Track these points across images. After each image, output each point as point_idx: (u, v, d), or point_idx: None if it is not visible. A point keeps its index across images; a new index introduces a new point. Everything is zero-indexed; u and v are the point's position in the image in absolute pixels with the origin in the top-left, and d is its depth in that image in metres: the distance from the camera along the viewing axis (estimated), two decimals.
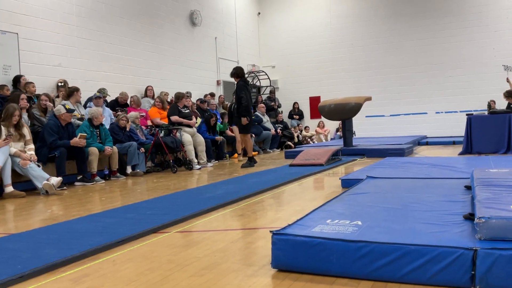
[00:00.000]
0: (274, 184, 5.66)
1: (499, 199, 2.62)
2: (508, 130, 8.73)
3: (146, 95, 10.32)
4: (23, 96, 6.79)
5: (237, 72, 8.40)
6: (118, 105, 9.23)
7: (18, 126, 6.06)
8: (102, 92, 8.96)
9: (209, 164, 8.99)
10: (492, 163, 6.06)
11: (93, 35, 9.50)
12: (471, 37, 13.82)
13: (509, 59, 13.09)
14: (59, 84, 8.33)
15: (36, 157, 6.07)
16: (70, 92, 7.54)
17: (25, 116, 6.80)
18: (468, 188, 3.73)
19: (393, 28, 14.72)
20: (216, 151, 10.07)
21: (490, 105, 9.89)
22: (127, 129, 7.96)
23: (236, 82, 8.44)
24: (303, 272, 2.37)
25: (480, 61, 13.74)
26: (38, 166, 6.02)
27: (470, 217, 2.60)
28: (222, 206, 4.43)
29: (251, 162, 8.31)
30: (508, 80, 11.56)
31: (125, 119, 7.94)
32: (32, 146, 6.20)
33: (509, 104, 10.14)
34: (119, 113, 8.36)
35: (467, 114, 9.54)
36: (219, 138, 10.04)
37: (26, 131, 6.19)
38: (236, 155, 10.87)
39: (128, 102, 9.52)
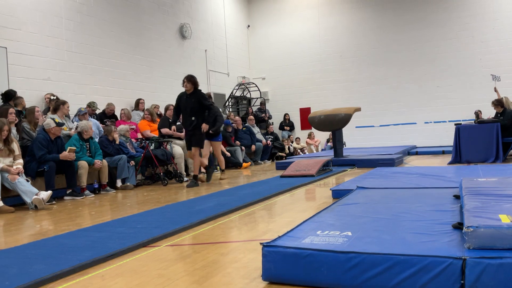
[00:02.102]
0: (265, 196, 5.66)
1: (488, 208, 2.64)
2: (496, 139, 8.83)
3: (137, 108, 10.29)
4: (11, 110, 6.74)
5: (196, 81, 7.59)
6: (106, 116, 9.19)
7: (7, 141, 6.01)
8: (91, 106, 8.93)
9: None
10: (481, 172, 6.11)
11: (82, 49, 9.49)
12: (458, 47, 14.01)
13: (496, 69, 13.27)
14: (51, 98, 8.27)
15: (22, 169, 6.01)
16: (57, 106, 7.46)
17: (13, 130, 6.74)
18: (457, 197, 3.76)
19: (381, 40, 14.88)
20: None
21: (478, 114, 9.99)
22: (117, 142, 7.92)
23: (193, 91, 7.46)
24: (294, 284, 2.36)
25: (468, 71, 13.91)
26: (27, 180, 5.96)
27: (459, 226, 2.62)
28: (213, 218, 4.41)
29: (196, 181, 7.61)
30: (495, 90, 11.70)
31: (116, 132, 7.92)
32: (21, 161, 6.14)
33: (497, 113, 10.25)
34: (108, 123, 8.34)
35: (455, 124, 9.64)
36: None
37: (15, 146, 6.14)
38: (245, 164, 10.91)
39: (118, 115, 9.49)
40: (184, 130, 8.08)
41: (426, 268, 2.12)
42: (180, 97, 7.59)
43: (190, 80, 7.45)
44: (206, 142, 7.97)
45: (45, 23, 8.73)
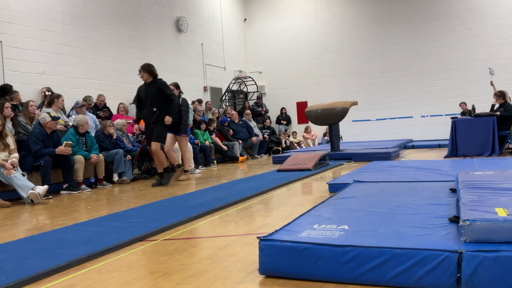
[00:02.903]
0: (262, 190, 5.66)
1: (484, 202, 2.64)
2: (492, 133, 8.85)
3: (133, 102, 10.22)
4: (7, 104, 6.71)
5: (153, 70, 6.93)
6: (98, 109, 9.14)
7: (2, 136, 5.98)
8: (87, 99, 8.89)
9: (197, 171, 8.96)
10: (477, 165, 6.13)
11: (78, 42, 9.44)
12: (455, 41, 14.01)
13: (492, 62, 13.28)
14: (47, 93, 8.21)
15: (17, 163, 5.98)
16: (51, 100, 7.40)
17: (9, 124, 6.71)
18: (453, 191, 3.77)
19: (378, 33, 14.86)
20: (203, 158, 10.04)
21: (474, 107, 10.02)
22: (114, 137, 7.90)
23: (152, 80, 6.88)
24: (290, 277, 2.36)
25: (464, 65, 13.92)
26: (23, 175, 5.94)
27: (455, 219, 2.62)
28: (210, 212, 4.41)
29: (162, 179, 6.99)
30: (492, 83, 11.72)
31: (112, 126, 7.89)
32: (16, 155, 6.11)
33: (492, 106, 10.28)
34: (101, 114, 8.29)
35: (452, 118, 9.65)
36: (197, 141, 9.92)
37: (10, 140, 6.11)
38: (241, 158, 10.89)
39: (115, 108, 9.45)
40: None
41: (422, 262, 2.13)
42: (140, 89, 7.06)
43: (146, 69, 6.86)
44: (170, 136, 7.38)
45: (41, 17, 8.67)
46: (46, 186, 5.90)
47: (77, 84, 9.32)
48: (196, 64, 13.52)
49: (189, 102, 8.08)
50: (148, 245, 3.31)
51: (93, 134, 7.70)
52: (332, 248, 2.28)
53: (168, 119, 6.85)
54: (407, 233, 2.48)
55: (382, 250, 2.20)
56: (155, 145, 6.89)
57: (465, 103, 12.68)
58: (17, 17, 8.23)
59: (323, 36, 15.51)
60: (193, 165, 8.93)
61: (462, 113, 12.80)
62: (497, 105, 9.79)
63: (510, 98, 10.25)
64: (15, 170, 5.84)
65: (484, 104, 12.05)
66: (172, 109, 6.92)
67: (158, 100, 6.83)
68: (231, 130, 11.63)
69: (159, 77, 7.00)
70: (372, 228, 2.62)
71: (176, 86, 7.60)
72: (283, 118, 15.81)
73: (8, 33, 8.04)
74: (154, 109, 6.82)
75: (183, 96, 7.75)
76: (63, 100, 7.60)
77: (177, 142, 7.72)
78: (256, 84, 15.37)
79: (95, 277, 2.63)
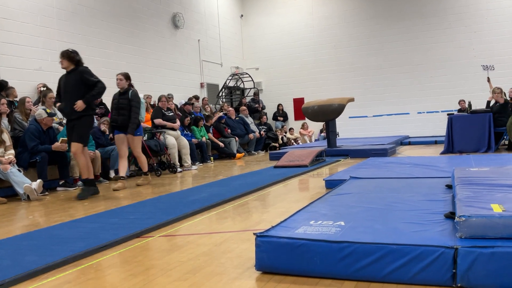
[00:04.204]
0: (258, 186, 5.66)
1: (479, 198, 2.65)
2: (488, 129, 8.87)
3: None
4: (3, 101, 6.68)
5: (74, 56, 5.83)
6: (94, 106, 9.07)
7: None
8: None
9: (194, 167, 8.95)
10: (473, 162, 6.15)
11: (74, 39, 9.39)
12: (452, 38, 14.02)
13: (489, 59, 13.31)
14: (42, 89, 8.17)
15: (15, 159, 5.97)
16: (44, 96, 7.33)
17: (5, 121, 6.69)
18: (449, 187, 3.78)
19: (375, 30, 14.85)
20: (200, 154, 10.03)
21: (470, 104, 10.03)
22: (107, 133, 7.87)
23: (74, 68, 5.76)
24: (287, 273, 2.37)
25: (461, 62, 13.94)
26: (19, 171, 5.92)
27: (451, 215, 2.63)
28: (207, 209, 4.41)
29: (90, 187, 5.81)
30: (488, 80, 11.75)
31: (106, 123, 7.87)
32: (12, 151, 6.09)
33: (488, 103, 10.30)
34: (97, 111, 8.25)
35: (448, 114, 9.67)
36: (195, 141, 9.89)
37: (6, 136, 6.09)
38: (238, 155, 10.86)
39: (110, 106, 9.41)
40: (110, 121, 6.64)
41: (418, 257, 2.14)
42: (60, 79, 5.92)
43: (65, 55, 5.75)
44: (121, 137, 6.51)
45: (37, 13, 8.62)
46: (40, 180, 5.86)
47: None
48: (193, 61, 13.49)
49: (141, 96, 6.93)
50: (144, 241, 3.31)
51: None
52: (329, 244, 2.29)
53: (80, 105, 5.53)
54: (403, 229, 2.49)
55: (378, 246, 2.21)
56: (75, 147, 5.68)
57: (464, 101, 12.69)
58: (12, 13, 8.18)
59: (320, 32, 15.49)
60: (189, 162, 8.92)
61: (460, 111, 12.80)
62: (493, 102, 9.81)
63: (505, 94, 10.27)
64: (12, 166, 5.82)
65: (480, 100, 12.06)
66: (90, 94, 5.65)
67: (80, 91, 5.63)
68: (227, 128, 11.61)
69: (85, 65, 5.90)
70: (368, 224, 2.63)
71: (126, 76, 6.70)
72: (280, 114, 15.80)
73: (4, 29, 7.99)
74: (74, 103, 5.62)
75: (133, 89, 6.74)
76: (50, 98, 7.37)
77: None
78: (253, 80, 15.35)
79: (92, 273, 2.63)
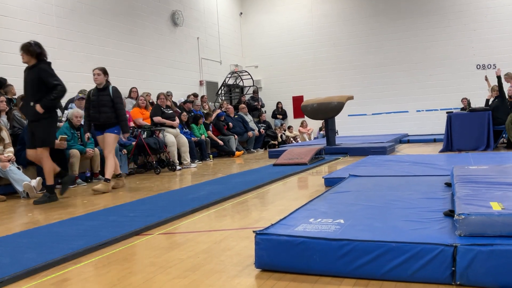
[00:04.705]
0: (258, 184, 5.66)
1: (479, 196, 2.66)
2: (487, 127, 8.88)
3: (130, 96, 10.19)
4: (2, 98, 6.67)
5: (35, 50, 5.28)
6: None
7: None
8: (83, 93, 8.84)
9: (193, 165, 8.95)
10: (472, 160, 6.15)
11: (73, 36, 9.38)
12: (451, 36, 14.01)
13: (488, 57, 13.33)
14: None
15: (14, 157, 5.96)
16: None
17: (4, 118, 6.68)
18: (448, 185, 3.78)
19: (374, 28, 14.84)
20: (199, 152, 10.03)
21: (469, 102, 10.04)
22: None
23: (35, 64, 5.27)
24: (286, 271, 2.37)
25: (460, 60, 13.93)
26: (19, 169, 5.92)
27: (450, 213, 2.63)
28: (206, 207, 4.41)
29: (52, 194, 5.39)
30: (486, 78, 11.76)
31: None
32: (11, 149, 6.09)
33: (487, 101, 10.30)
34: None
35: (447, 112, 9.68)
36: (195, 139, 9.88)
37: (5, 134, 6.09)
38: (237, 153, 10.84)
39: None
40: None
41: (417, 255, 2.14)
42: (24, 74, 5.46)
43: (24, 49, 5.27)
44: (101, 138, 6.15)
45: (36, 10, 8.61)
46: (39, 178, 5.86)
47: (72, 78, 9.25)
48: (192, 58, 13.47)
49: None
50: (144, 239, 3.31)
51: None
52: (328, 242, 2.29)
53: (38, 109, 5.14)
54: (403, 227, 2.49)
55: (378, 244, 2.21)
56: (39, 152, 5.31)
57: (466, 99, 12.68)
58: (11, 10, 8.16)
59: (320, 30, 15.48)
60: (188, 159, 8.92)
61: (462, 109, 12.79)
62: (492, 99, 9.81)
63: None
64: (11, 164, 5.82)
65: (479, 99, 12.07)
66: (48, 98, 5.17)
67: (39, 91, 5.19)
68: (226, 125, 11.60)
69: (48, 60, 5.39)
70: (368, 222, 2.63)
71: (104, 71, 6.23)
72: (279, 112, 15.80)
73: (3, 26, 7.98)
74: (32, 103, 5.21)
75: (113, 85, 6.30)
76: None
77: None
78: (252, 78, 15.33)
79: (91, 271, 2.63)
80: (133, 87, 10.30)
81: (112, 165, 6.10)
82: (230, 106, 12.88)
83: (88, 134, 6.33)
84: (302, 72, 15.69)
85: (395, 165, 5.93)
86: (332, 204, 3.27)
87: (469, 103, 9.97)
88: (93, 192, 5.88)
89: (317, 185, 5.51)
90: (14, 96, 7.55)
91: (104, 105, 6.07)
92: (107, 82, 6.24)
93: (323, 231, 2.43)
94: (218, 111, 11.90)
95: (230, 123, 11.61)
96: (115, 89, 6.19)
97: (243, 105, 13.19)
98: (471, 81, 13.56)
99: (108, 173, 6.06)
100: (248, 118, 12.89)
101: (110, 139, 6.07)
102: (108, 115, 6.04)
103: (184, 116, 10.09)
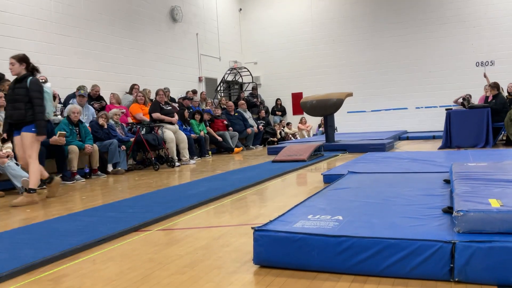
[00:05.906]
0: (257, 181, 5.66)
1: (477, 193, 2.66)
2: (486, 124, 8.88)
3: (131, 92, 10.15)
4: (0, 94, 6.65)
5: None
6: (92, 99, 9.05)
7: None
8: (81, 89, 8.82)
9: (192, 161, 8.95)
10: (470, 157, 6.15)
11: (72, 32, 9.35)
12: (450, 33, 13.99)
13: (487, 54, 13.31)
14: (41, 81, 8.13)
15: (12, 153, 5.95)
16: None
17: (2, 114, 6.66)
18: (447, 182, 3.78)
19: (374, 24, 14.81)
20: (198, 148, 10.02)
21: (468, 99, 10.03)
22: (105, 127, 7.84)
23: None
24: (284, 267, 2.37)
25: (459, 57, 13.92)
26: (17, 164, 5.91)
27: (448, 210, 2.63)
28: (205, 203, 4.41)
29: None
30: (485, 75, 11.75)
31: (104, 117, 7.86)
32: (9, 145, 6.07)
33: (486, 98, 10.30)
34: (96, 106, 8.22)
35: (446, 109, 9.67)
36: (194, 136, 9.87)
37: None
38: (236, 149, 10.83)
39: (107, 98, 9.39)
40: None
41: (416, 252, 2.14)
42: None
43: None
44: (19, 140, 5.16)
45: (34, 6, 8.57)
46: None
47: (71, 74, 9.24)
48: (191, 54, 13.45)
49: (49, 85, 5.39)
50: (142, 235, 3.31)
51: (87, 125, 7.66)
52: (326, 239, 2.29)
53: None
54: (401, 223, 2.49)
55: (376, 240, 2.21)
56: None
57: (469, 95, 12.65)
58: (9, 6, 8.13)
59: (319, 26, 15.45)
60: (187, 156, 8.91)
61: (462, 104, 12.71)
62: (490, 97, 9.81)
63: (503, 90, 10.28)
64: (9, 160, 5.81)
65: (478, 96, 12.08)
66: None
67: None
68: (223, 120, 11.56)
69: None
70: (366, 219, 2.63)
71: (20, 59, 5.16)
72: (278, 109, 15.79)
73: (1, 22, 7.95)
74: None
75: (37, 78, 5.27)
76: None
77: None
78: (251, 74, 15.31)
79: (90, 267, 2.63)
80: (135, 84, 10.29)
81: (34, 171, 5.07)
82: (230, 102, 12.87)
83: (4, 135, 5.35)
84: (302, 69, 15.66)
85: (394, 162, 5.93)
86: (330, 201, 3.27)
87: (468, 100, 9.97)
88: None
89: (316, 182, 5.51)
90: None
91: (17, 100, 5.02)
92: (28, 72, 5.14)
93: (321, 228, 2.43)
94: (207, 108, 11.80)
95: (223, 120, 11.53)
96: (33, 81, 5.05)
97: (242, 102, 13.17)
98: (471, 78, 13.54)
99: (32, 183, 5.05)
100: (247, 114, 12.88)
101: (27, 140, 5.03)
102: (22, 112, 5.00)
103: (186, 113, 10.09)
